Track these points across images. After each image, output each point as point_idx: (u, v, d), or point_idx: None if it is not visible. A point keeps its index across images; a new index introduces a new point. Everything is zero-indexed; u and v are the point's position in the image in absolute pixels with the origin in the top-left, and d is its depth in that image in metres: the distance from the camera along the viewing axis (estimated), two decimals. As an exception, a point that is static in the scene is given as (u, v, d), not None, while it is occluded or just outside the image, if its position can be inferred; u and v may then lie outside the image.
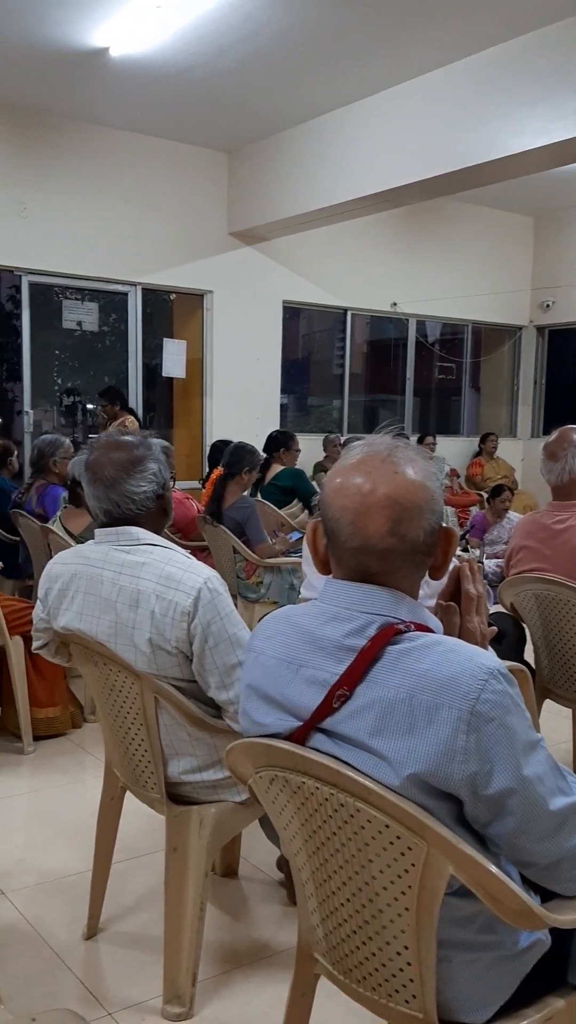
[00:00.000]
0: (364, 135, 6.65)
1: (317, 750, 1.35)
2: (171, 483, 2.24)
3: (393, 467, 1.35)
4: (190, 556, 2.11)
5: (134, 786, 2.25)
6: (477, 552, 6.35)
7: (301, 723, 1.37)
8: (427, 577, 1.41)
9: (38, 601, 2.29)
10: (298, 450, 6.60)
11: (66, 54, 5.84)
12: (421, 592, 1.42)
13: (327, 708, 1.33)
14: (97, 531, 2.16)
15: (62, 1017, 1.38)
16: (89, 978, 2.24)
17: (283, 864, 2.64)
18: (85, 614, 2.13)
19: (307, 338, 10.12)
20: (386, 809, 1.26)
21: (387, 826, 1.27)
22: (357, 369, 9.82)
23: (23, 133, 6.95)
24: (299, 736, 1.37)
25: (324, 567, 1.44)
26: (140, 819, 2.57)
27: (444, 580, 1.47)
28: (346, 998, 1.49)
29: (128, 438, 2.14)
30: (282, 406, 8.89)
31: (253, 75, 6.16)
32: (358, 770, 1.29)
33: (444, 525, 1.39)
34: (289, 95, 6.57)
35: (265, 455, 6.10)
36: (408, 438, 1.97)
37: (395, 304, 9.38)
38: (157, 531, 2.17)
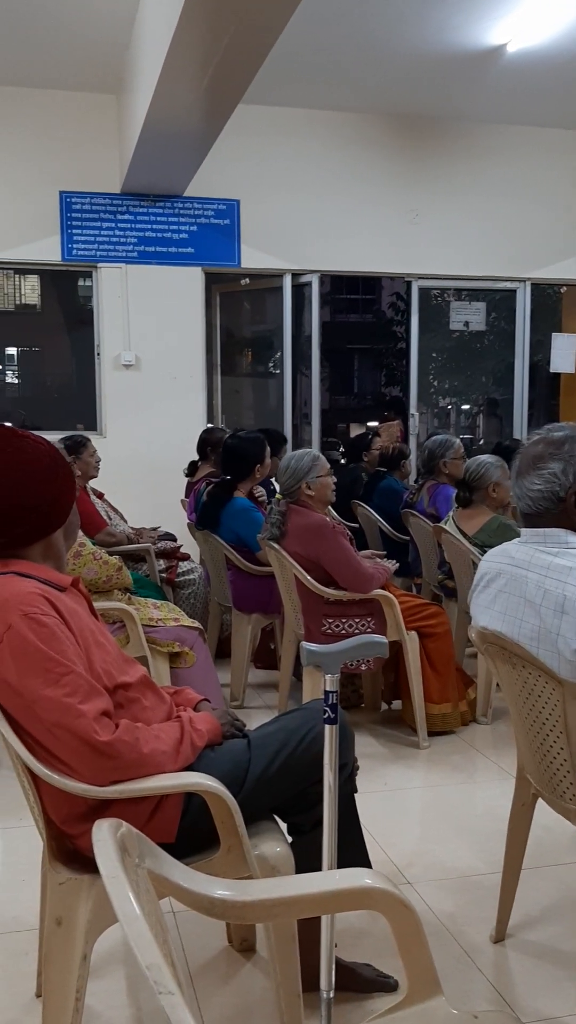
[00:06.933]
0: None
1: None
2: None
3: None
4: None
5: (550, 795, 2.19)
6: None
7: None
8: None
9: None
10: None
11: (461, 57, 5.87)
12: None
13: None
14: (523, 531, 2.13)
15: (503, 1020, 1.38)
16: (500, 983, 2.22)
17: None
18: (508, 614, 2.10)
19: None
20: None
21: None
22: None
23: (413, 141, 7.12)
24: None
25: None
26: (536, 828, 2.48)
27: None
28: None
29: (557, 433, 2.07)
30: None
31: None
32: None
33: None
34: None
35: None
36: None
37: None
38: None
